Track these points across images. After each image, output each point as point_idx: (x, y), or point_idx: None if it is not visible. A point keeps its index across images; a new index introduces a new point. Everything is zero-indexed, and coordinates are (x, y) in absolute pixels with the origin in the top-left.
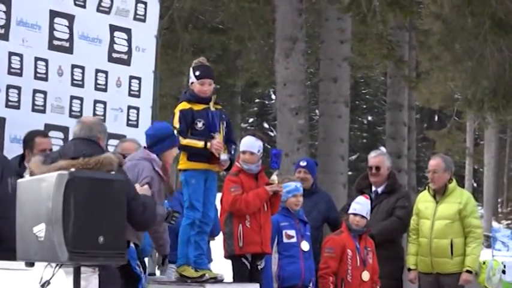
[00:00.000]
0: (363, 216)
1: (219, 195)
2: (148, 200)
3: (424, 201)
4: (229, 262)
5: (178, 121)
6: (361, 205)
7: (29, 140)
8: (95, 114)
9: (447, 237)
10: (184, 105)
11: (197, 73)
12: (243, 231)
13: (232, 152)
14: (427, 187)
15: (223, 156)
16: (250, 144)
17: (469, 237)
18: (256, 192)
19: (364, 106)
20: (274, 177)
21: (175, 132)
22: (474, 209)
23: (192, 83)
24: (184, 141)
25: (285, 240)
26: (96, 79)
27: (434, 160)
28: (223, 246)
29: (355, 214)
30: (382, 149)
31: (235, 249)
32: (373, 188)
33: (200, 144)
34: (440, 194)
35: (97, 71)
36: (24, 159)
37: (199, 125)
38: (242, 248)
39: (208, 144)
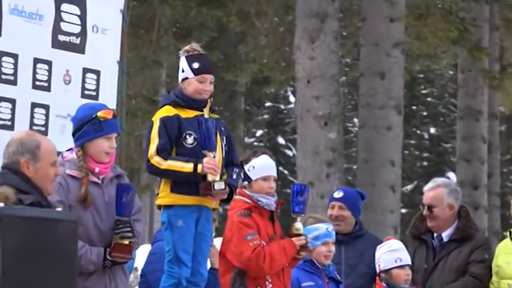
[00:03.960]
0: (409, 266)
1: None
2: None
3: (506, 253)
4: None
5: (157, 134)
6: (402, 251)
7: None
8: (32, 123)
9: None
10: (167, 111)
11: (196, 65)
12: None
13: (234, 177)
14: (509, 232)
15: (219, 185)
16: (271, 166)
17: None
18: (283, 246)
19: (425, 113)
20: (299, 225)
21: (153, 152)
22: None
23: (185, 78)
24: (164, 165)
25: None
26: (34, 73)
27: None
28: None
29: (401, 267)
30: (451, 175)
31: None
32: (436, 234)
33: (188, 167)
34: None
35: (36, 60)
36: None
37: (190, 140)
38: None
39: (199, 166)
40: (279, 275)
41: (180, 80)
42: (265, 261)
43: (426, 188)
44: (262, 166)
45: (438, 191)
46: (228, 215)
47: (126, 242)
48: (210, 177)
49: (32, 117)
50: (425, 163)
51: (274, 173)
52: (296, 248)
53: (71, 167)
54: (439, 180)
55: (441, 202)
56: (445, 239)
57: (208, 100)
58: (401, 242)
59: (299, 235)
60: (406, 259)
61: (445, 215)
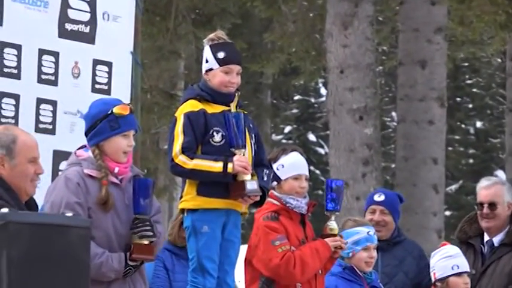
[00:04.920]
0: (468, 273)
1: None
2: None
3: None
4: None
5: (182, 131)
6: (459, 257)
7: None
8: (38, 120)
9: None
10: (192, 106)
11: (221, 55)
12: None
13: (265, 179)
14: None
15: (251, 185)
16: (303, 164)
17: None
18: (315, 248)
19: (470, 106)
20: (333, 224)
21: (178, 151)
22: None
23: (209, 69)
24: (190, 164)
25: None
26: (39, 65)
27: None
28: None
29: (459, 274)
30: (500, 174)
31: None
32: (486, 238)
33: (217, 167)
34: None
35: (41, 52)
36: None
37: (217, 137)
38: None
39: (230, 165)
40: (310, 282)
41: (204, 71)
42: (296, 267)
43: (482, 185)
44: (292, 164)
45: (497, 187)
46: (254, 218)
47: (146, 241)
48: (240, 177)
49: (37, 114)
50: (471, 160)
51: (306, 172)
52: (330, 249)
53: (88, 166)
54: (492, 178)
55: (502, 199)
56: (496, 244)
57: (236, 94)
58: None
59: (333, 235)
60: (464, 266)
61: (504, 214)
